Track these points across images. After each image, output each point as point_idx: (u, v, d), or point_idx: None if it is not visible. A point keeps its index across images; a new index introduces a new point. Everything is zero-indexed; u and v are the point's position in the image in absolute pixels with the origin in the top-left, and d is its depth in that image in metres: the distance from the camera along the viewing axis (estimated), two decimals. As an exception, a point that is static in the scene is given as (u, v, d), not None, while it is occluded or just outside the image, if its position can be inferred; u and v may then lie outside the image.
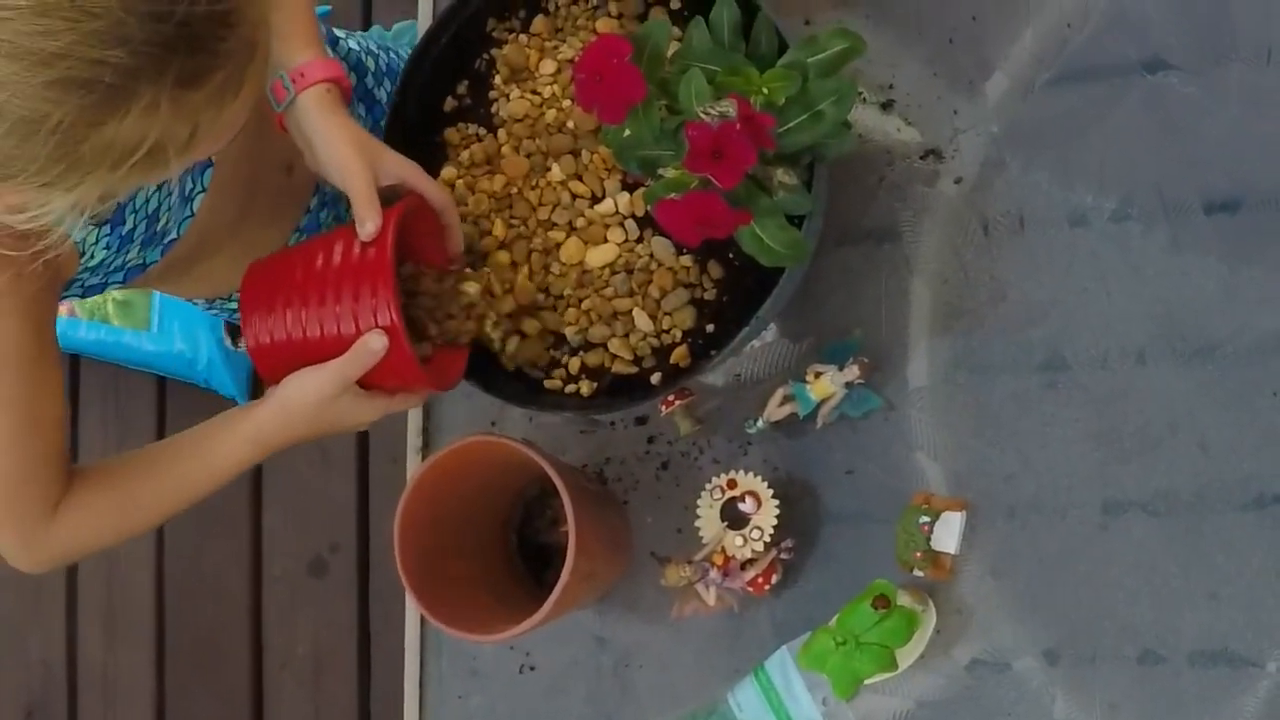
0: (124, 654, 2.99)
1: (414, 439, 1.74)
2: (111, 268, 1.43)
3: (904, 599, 1.45)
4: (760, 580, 1.51)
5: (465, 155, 1.56)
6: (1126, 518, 1.44)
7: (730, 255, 1.45)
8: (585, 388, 1.50)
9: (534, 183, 1.53)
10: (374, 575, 2.77)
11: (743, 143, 1.24)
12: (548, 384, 1.52)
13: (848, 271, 1.56)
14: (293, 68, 1.40)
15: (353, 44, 1.75)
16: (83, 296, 1.46)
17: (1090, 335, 1.46)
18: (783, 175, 1.31)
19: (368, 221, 1.36)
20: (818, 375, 1.51)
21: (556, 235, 1.52)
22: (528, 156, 1.54)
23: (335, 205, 1.72)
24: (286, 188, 1.64)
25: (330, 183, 1.42)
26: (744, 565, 1.51)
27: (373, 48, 1.78)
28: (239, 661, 2.88)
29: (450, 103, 1.59)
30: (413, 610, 1.70)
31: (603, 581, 1.59)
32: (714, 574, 1.50)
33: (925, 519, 1.46)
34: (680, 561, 1.51)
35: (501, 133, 1.55)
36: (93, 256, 1.38)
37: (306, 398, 1.39)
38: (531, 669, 1.67)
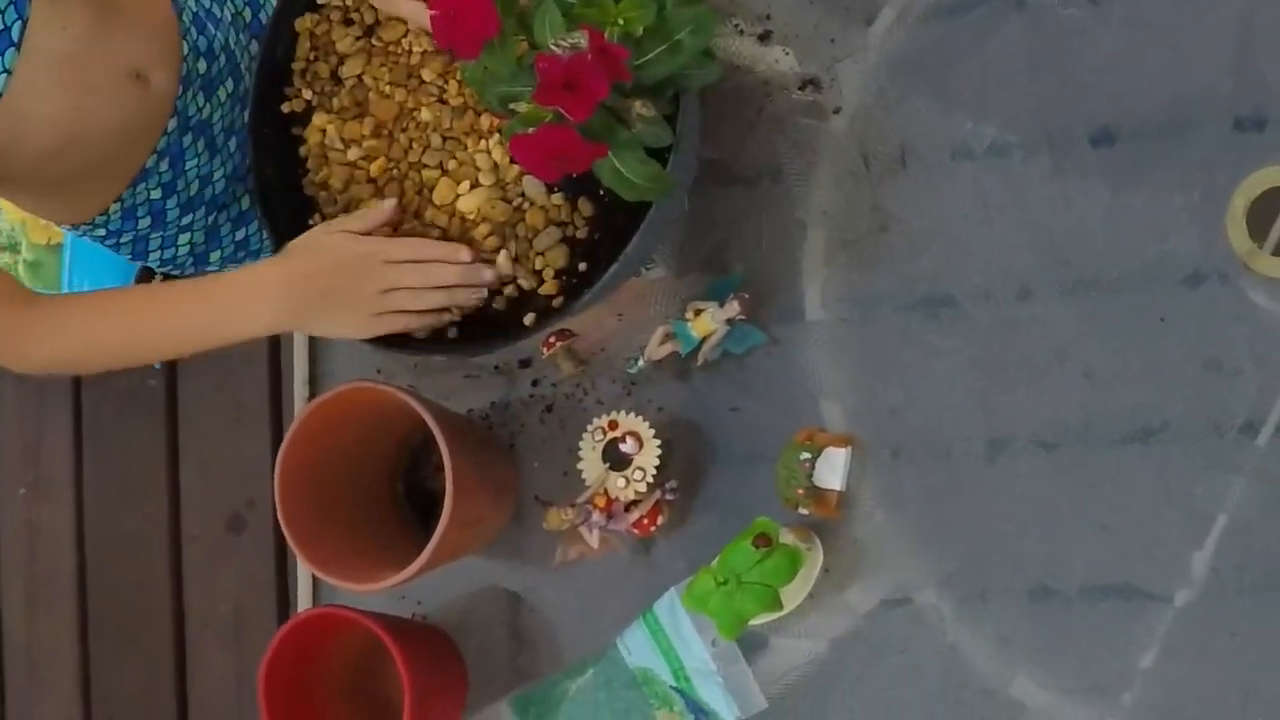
0: (46, 622, 2.97)
1: (300, 388, 1.71)
2: None
3: (787, 537, 1.43)
4: (645, 522, 1.49)
5: (335, 101, 1.53)
6: (1013, 450, 1.41)
7: (601, 193, 1.42)
8: (454, 331, 1.47)
9: (404, 125, 1.51)
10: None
11: (594, 74, 1.21)
12: (420, 327, 1.50)
13: (728, 206, 1.53)
14: None
15: None
16: None
17: (973, 265, 1.44)
18: (640, 108, 1.28)
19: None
20: (698, 312, 1.49)
21: (429, 176, 1.49)
22: (396, 100, 1.51)
23: (203, 131, 1.67)
24: (136, 100, 1.58)
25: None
26: (628, 507, 1.49)
27: None
28: (161, 624, 2.86)
29: (299, 64, 1.57)
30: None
31: (489, 527, 1.57)
32: (597, 516, 1.48)
33: (806, 455, 1.43)
34: (563, 505, 1.48)
35: (367, 78, 1.53)
36: None
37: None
38: (424, 618, 1.65)
